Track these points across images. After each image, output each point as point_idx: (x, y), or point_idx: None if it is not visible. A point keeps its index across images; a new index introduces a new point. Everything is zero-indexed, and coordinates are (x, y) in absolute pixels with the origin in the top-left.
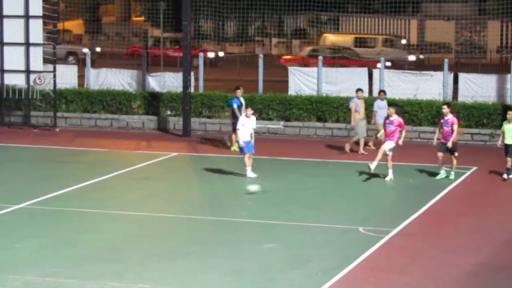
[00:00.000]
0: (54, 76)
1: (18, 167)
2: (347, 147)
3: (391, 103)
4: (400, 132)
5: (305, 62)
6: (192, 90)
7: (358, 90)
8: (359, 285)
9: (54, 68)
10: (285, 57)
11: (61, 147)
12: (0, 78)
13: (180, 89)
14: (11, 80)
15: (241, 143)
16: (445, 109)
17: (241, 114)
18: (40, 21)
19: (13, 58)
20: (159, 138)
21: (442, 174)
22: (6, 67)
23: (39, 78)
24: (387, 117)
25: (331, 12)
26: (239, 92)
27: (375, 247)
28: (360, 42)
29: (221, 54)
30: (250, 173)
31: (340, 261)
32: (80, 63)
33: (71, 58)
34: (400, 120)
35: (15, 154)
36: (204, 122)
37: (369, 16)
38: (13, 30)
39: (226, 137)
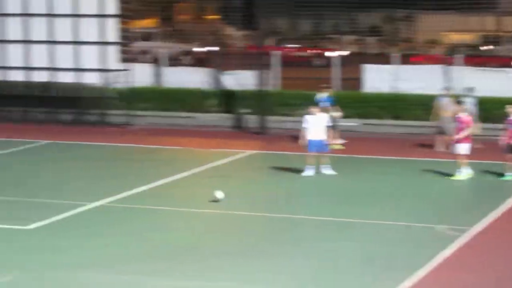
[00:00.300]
0: (130, 75)
1: (93, 165)
2: (441, 145)
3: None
4: (466, 129)
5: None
6: (269, 88)
7: (446, 88)
8: (437, 284)
9: (130, 66)
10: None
11: (137, 145)
12: (76, 77)
13: (256, 87)
14: (87, 79)
15: (306, 142)
16: (509, 109)
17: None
18: (115, 20)
19: (89, 57)
20: (235, 136)
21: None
22: (82, 66)
23: (115, 77)
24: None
25: (406, 9)
26: (327, 91)
27: (453, 246)
28: (486, 40)
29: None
30: (308, 172)
31: (417, 260)
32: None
33: (147, 56)
34: (468, 118)
35: (91, 152)
36: (280, 120)
37: (450, 13)
38: (89, 29)
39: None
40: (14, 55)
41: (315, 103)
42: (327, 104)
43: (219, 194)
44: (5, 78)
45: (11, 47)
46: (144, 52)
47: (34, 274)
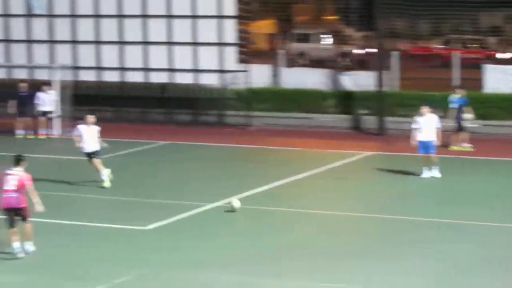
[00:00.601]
0: (247, 75)
1: (211, 166)
2: None
3: None
4: None
5: None
6: (387, 88)
7: None
8: None
9: (248, 67)
10: None
11: (254, 146)
12: (195, 78)
13: (374, 88)
14: (205, 80)
15: (415, 143)
16: None
17: (462, 113)
18: (233, 21)
19: (207, 58)
20: (352, 137)
21: None
22: (200, 67)
23: (233, 78)
24: None
25: None
26: (460, 92)
27: None
28: None
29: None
30: (426, 174)
31: None
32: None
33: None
34: None
35: (208, 153)
36: (399, 121)
37: None
38: (207, 30)
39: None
40: (133, 56)
41: (448, 104)
42: (458, 105)
43: (236, 203)
44: (124, 79)
45: (130, 49)
46: (300, 53)
47: (152, 274)
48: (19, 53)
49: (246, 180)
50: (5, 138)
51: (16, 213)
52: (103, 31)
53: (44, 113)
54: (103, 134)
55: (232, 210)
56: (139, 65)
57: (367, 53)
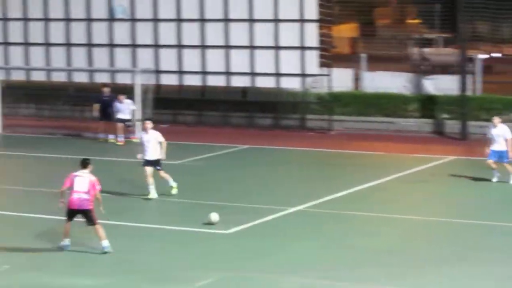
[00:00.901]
0: (329, 79)
1: (293, 170)
2: None
3: None
4: None
5: None
6: (470, 92)
7: None
8: None
9: (329, 71)
10: None
11: (336, 150)
12: (276, 81)
13: (457, 92)
14: (287, 83)
15: (488, 151)
16: None
17: None
18: (315, 25)
19: (289, 62)
20: (436, 141)
21: None
22: (282, 71)
23: (314, 82)
24: None
25: None
26: None
27: None
28: None
29: (496, 55)
30: (495, 178)
31: None
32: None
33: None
34: None
35: (290, 157)
36: (482, 125)
37: None
38: (289, 34)
39: None
40: (215, 60)
41: None
42: None
43: (214, 217)
44: (206, 84)
45: (211, 53)
46: (423, 59)
47: (233, 278)
48: (101, 57)
49: (327, 184)
50: (87, 141)
51: (82, 215)
52: (184, 35)
53: (122, 121)
54: (182, 137)
55: (209, 223)
56: (221, 69)
57: (491, 58)
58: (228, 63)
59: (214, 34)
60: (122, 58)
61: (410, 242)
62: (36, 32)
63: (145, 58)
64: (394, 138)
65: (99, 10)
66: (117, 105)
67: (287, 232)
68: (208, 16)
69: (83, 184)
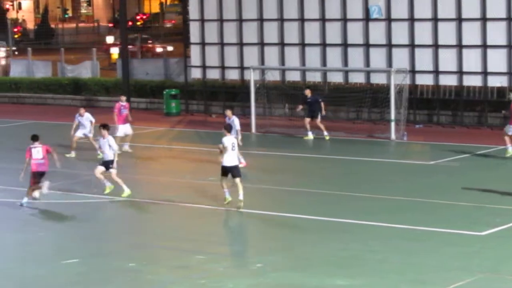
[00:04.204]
0: None
1: None
2: None
3: None
4: None
5: None
6: None
7: None
8: None
9: None
10: None
11: None
12: (483, 80)
13: None
14: (494, 82)
15: None
16: None
17: None
18: None
19: (495, 60)
20: None
21: None
22: (489, 69)
23: None
24: None
25: None
26: None
27: None
28: None
29: None
30: None
31: None
32: None
33: None
34: None
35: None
36: None
37: None
38: (496, 32)
39: None
40: (471, 60)
41: None
42: None
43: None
44: (462, 83)
45: (468, 52)
46: None
47: (487, 279)
48: (355, 57)
49: None
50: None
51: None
52: (441, 34)
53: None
54: (436, 138)
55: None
56: (477, 69)
57: None
58: (485, 63)
59: (471, 33)
60: (377, 58)
61: None
62: (291, 32)
63: (400, 57)
64: None
65: (355, 10)
66: None
67: None
68: (465, 15)
69: (38, 153)
